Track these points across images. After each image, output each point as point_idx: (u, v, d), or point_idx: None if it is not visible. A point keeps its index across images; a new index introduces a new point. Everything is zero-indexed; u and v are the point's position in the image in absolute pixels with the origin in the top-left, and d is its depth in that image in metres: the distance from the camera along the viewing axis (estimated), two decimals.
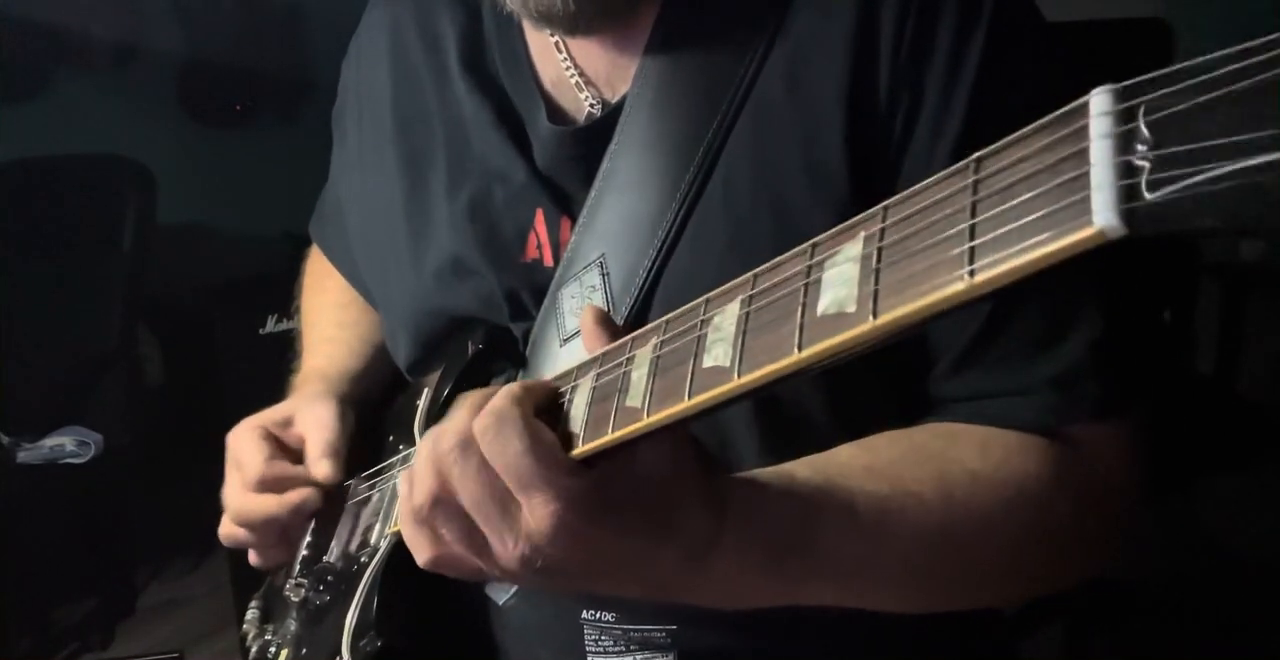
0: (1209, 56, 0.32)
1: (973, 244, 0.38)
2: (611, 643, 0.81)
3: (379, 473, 0.91)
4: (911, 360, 0.74)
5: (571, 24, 0.76)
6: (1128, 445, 0.73)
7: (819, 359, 0.43)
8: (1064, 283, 0.70)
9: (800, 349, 0.43)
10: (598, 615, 0.81)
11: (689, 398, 0.48)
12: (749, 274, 0.49)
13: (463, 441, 0.56)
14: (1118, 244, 0.34)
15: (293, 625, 0.90)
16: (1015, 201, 0.37)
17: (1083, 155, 0.35)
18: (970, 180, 0.39)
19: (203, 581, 2.81)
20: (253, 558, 0.94)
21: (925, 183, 0.42)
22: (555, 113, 0.83)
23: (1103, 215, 0.33)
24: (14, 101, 2.90)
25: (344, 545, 0.89)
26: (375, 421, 0.99)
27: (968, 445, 0.70)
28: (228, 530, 0.92)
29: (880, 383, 0.76)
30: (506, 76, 0.85)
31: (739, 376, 0.46)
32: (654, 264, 0.75)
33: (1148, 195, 0.32)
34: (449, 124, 0.87)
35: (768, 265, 0.48)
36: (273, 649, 0.92)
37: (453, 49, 0.87)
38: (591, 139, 0.79)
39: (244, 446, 0.91)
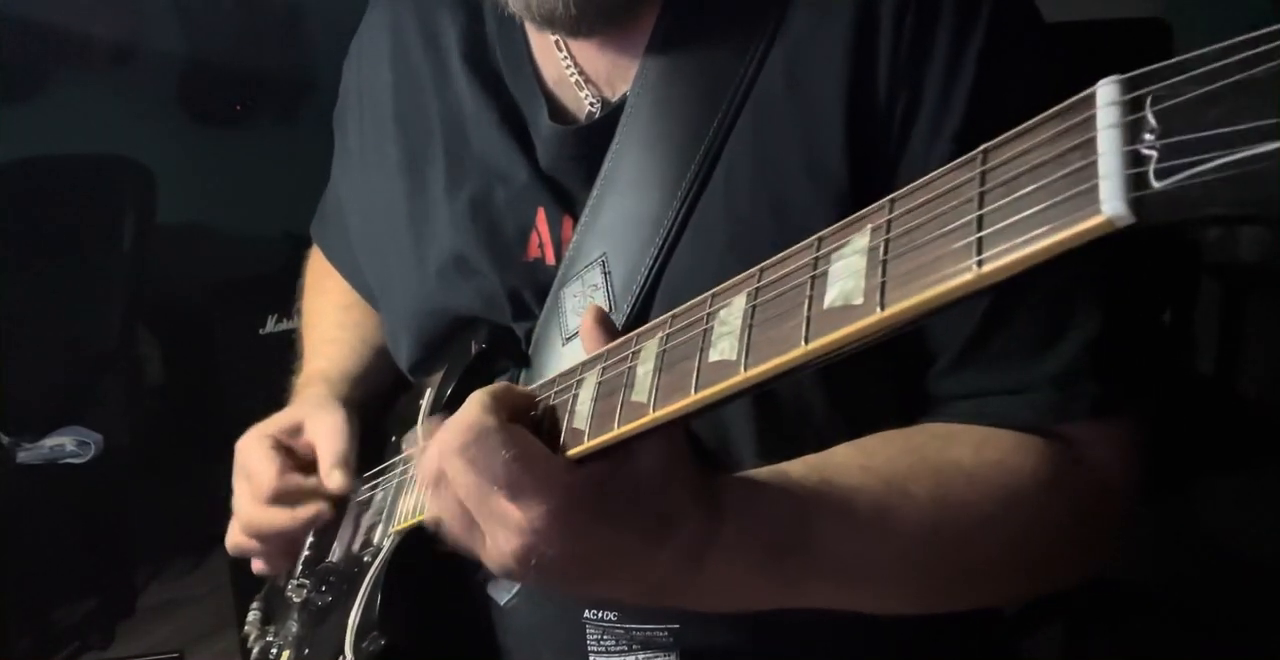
0: (1215, 46, 0.32)
1: (980, 234, 0.38)
2: (614, 642, 0.81)
3: (381, 473, 0.91)
4: (911, 359, 0.74)
5: (574, 26, 0.76)
6: (1127, 444, 0.73)
7: (826, 351, 0.43)
8: (1063, 281, 0.71)
9: (807, 341, 0.43)
10: (600, 615, 0.81)
11: (695, 392, 0.48)
12: (755, 268, 0.49)
13: (445, 455, 0.56)
14: (1126, 233, 0.34)
15: (294, 626, 0.90)
16: (1023, 192, 0.37)
17: (1090, 145, 0.35)
18: (977, 171, 0.39)
19: (203, 581, 2.81)
20: (256, 565, 0.94)
21: (932, 174, 0.42)
22: (557, 112, 0.83)
23: (1111, 204, 0.33)
24: (14, 101, 2.90)
25: (346, 545, 0.89)
26: (378, 422, 0.99)
27: (964, 445, 0.70)
28: (236, 540, 0.92)
29: (880, 382, 0.76)
30: (508, 76, 0.85)
31: (745, 370, 0.46)
32: (655, 262, 0.75)
33: (1155, 184, 0.32)
34: (450, 123, 0.87)
35: (774, 259, 0.48)
36: (274, 650, 0.92)
37: (454, 48, 0.87)
38: (593, 138, 0.79)
39: (255, 457, 0.91)
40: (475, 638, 0.87)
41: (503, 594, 0.84)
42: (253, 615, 0.99)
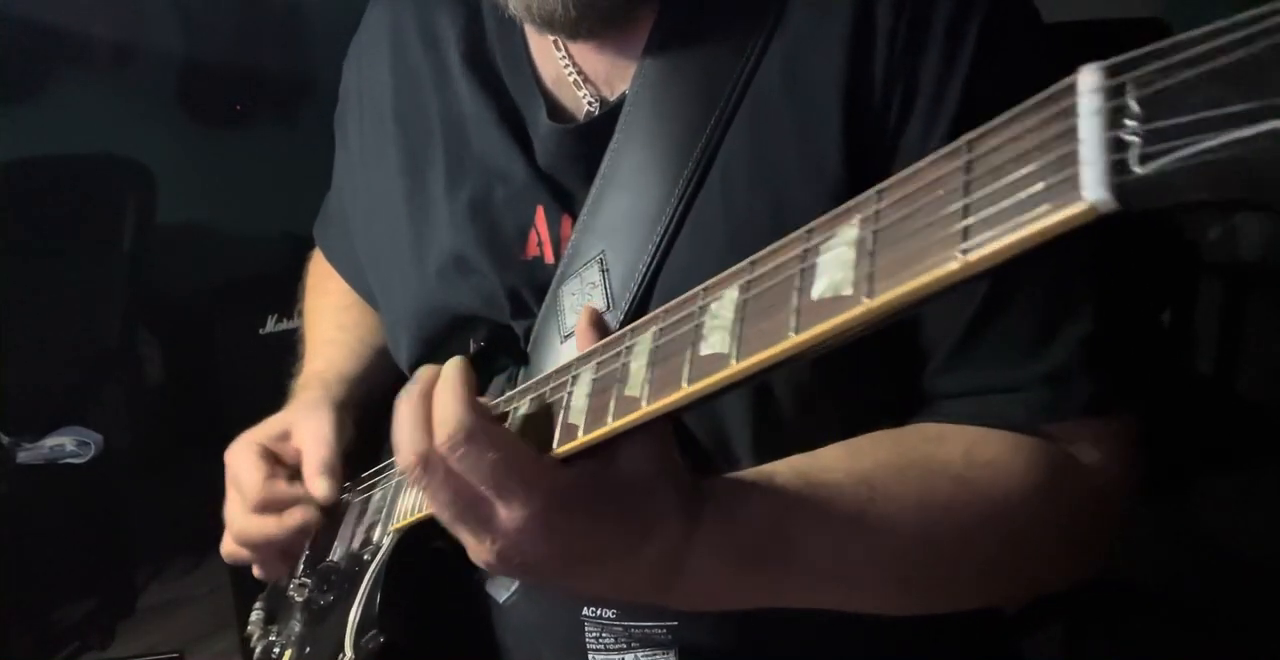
0: (1198, 31, 0.32)
1: (966, 223, 0.38)
2: (613, 640, 0.81)
3: (381, 471, 0.91)
4: (906, 357, 0.74)
5: (573, 28, 0.76)
6: (1122, 443, 0.73)
7: (816, 342, 0.43)
8: (1057, 278, 0.71)
9: (797, 333, 0.43)
10: (599, 612, 0.81)
11: (687, 385, 0.48)
12: (746, 260, 0.50)
13: (422, 458, 0.57)
14: (1110, 220, 0.34)
15: (297, 626, 0.90)
16: (1007, 179, 0.37)
17: (1072, 132, 0.35)
18: (963, 160, 0.39)
19: (203, 581, 2.80)
20: (256, 571, 0.94)
21: (919, 164, 0.42)
22: (555, 111, 0.83)
23: (1093, 190, 0.33)
24: (14, 101, 2.90)
25: (347, 544, 0.90)
26: (378, 421, 0.99)
27: (954, 447, 0.70)
28: (229, 549, 0.92)
29: (877, 381, 0.76)
30: (507, 75, 0.86)
31: (737, 362, 0.46)
32: (653, 260, 0.75)
33: (1137, 169, 0.33)
34: (449, 123, 0.87)
35: (764, 251, 0.49)
36: (277, 650, 0.92)
37: (453, 48, 0.88)
38: (591, 137, 0.79)
39: (242, 466, 0.91)
40: (475, 635, 0.87)
41: (501, 592, 0.84)
42: (256, 615, 0.99)
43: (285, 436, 0.94)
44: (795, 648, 0.80)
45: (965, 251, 0.37)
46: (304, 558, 0.92)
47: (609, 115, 0.79)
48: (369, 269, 1.00)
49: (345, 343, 1.07)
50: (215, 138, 3.33)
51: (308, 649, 0.87)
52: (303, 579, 0.89)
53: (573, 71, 0.82)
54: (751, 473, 0.66)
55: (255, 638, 0.97)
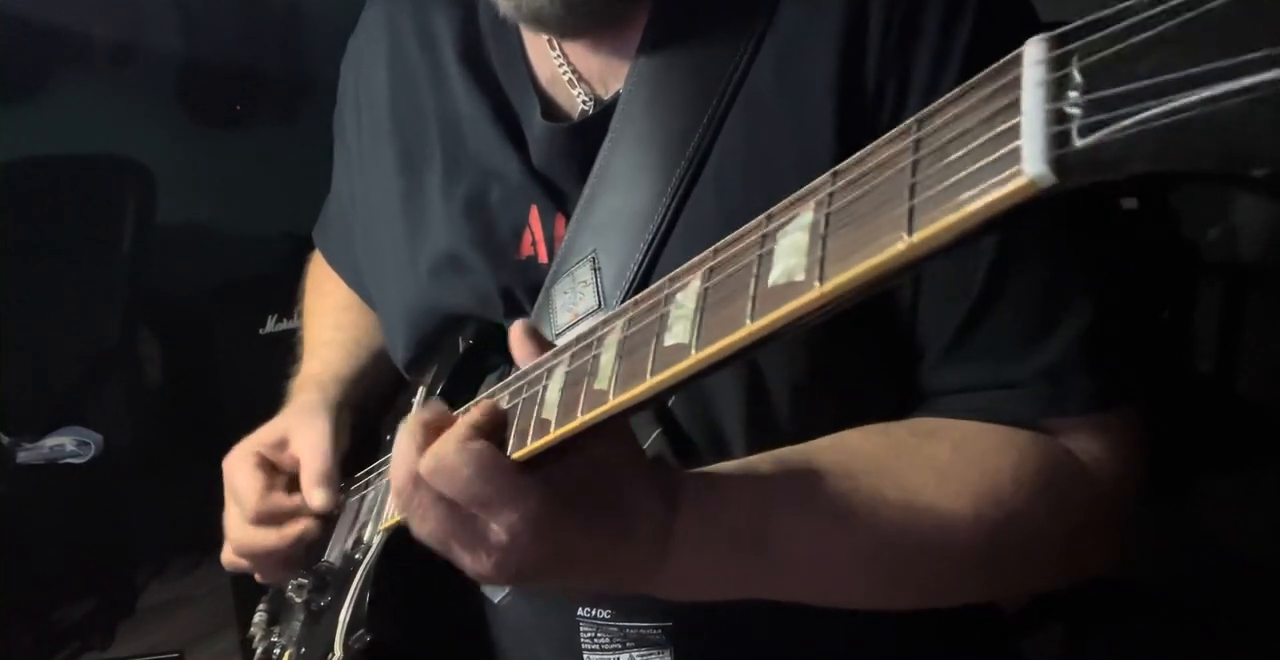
0: None
1: (912, 203, 0.37)
2: (608, 640, 0.81)
3: (374, 471, 0.91)
4: (902, 352, 0.74)
5: (562, 27, 0.77)
6: (1121, 440, 0.73)
7: (771, 329, 0.43)
8: (1054, 273, 0.70)
9: (753, 320, 0.43)
10: (594, 612, 0.81)
11: (650, 376, 0.48)
12: (710, 248, 0.49)
13: (413, 478, 0.57)
14: (1053, 194, 0.33)
15: (297, 626, 0.90)
16: (951, 157, 0.36)
17: (1015, 105, 0.34)
18: (911, 139, 0.38)
19: (203, 581, 2.80)
20: (257, 577, 0.95)
21: (872, 145, 0.41)
22: (550, 110, 0.83)
23: (1032, 164, 0.32)
24: (13, 101, 2.90)
25: (342, 544, 0.90)
26: (376, 421, 0.99)
27: (942, 442, 0.70)
28: (230, 560, 0.93)
29: (873, 376, 0.76)
30: (502, 74, 0.86)
31: (696, 352, 0.46)
32: (645, 258, 0.75)
33: (1078, 142, 0.31)
34: (445, 122, 0.87)
35: (726, 239, 0.48)
36: (277, 650, 0.92)
37: (448, 47, 0.88)
38: (585, 135, 0.79)
39: (240, 477, 0.91)
40: (469, 635, 0.87)
41: (496, 592, 0.84)
42: (259, 616, 1.00)
43: (282, 444, 0.94)
44: (791, 647, 0.80)
45: (911, 232, 0.36)
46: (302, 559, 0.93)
47: (603, 114, 0.79)
48: (366, 269, 1.00)
49: (343, 344, 1.07)
50: (215, 138, 3.33)
51: (303, 649, 0.87)
52: (301, 580, 0.89)
53: (567, 70, 0.82)
54: (733, 465, 0.67)
55: (257, 639, 0.97)
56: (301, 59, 3.30)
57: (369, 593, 0.80)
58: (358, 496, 0.92)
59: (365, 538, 0.85)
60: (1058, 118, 0.32)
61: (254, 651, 0.96)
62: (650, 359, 0.48)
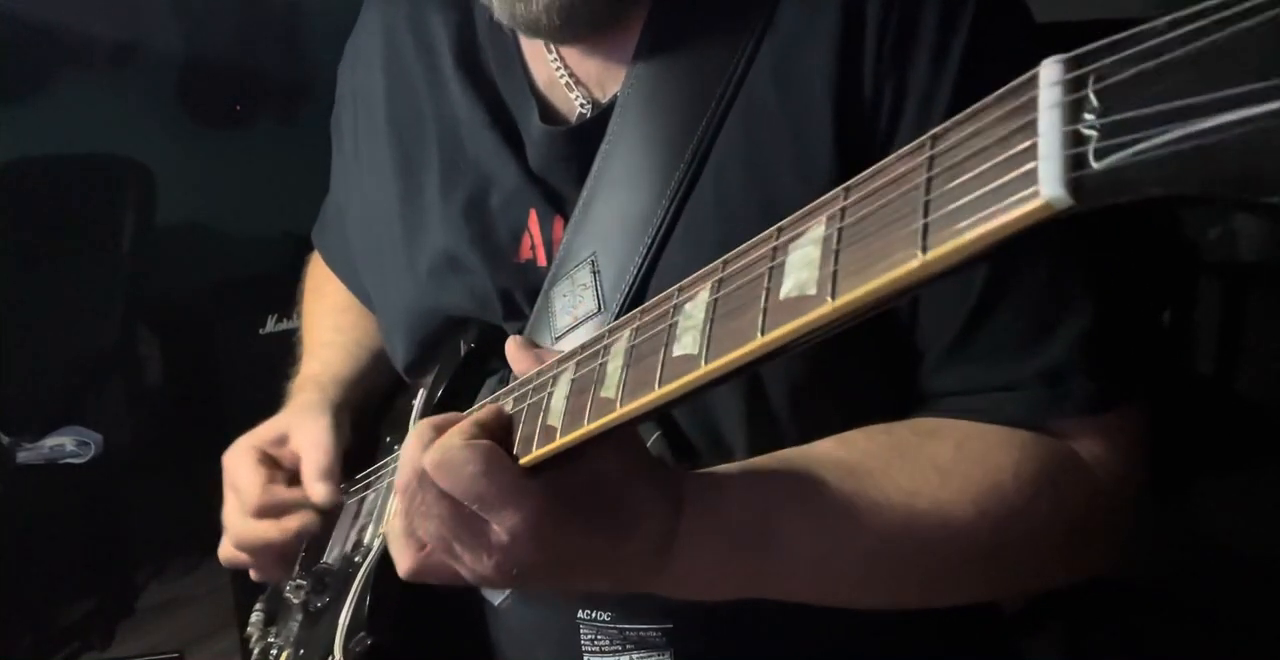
0: (1160, 20, 0.31)
1: (926, 220, 0.37)
2: (608, 642, 0.81)
3: (374, 473, 0.91)
4: (903, 354, 0.74)
5: (558, 34, 0.77)
6: (1122, 440, 0.73)
7: (782, 343, 0.43)
8: (1054, 275, 0.70)
9: (763, 333, 0.43)
10: (593, 615, 0.81)
11: (659, 386, 0.48)
12: (719, 260, 0.49)
13: (418, 474, 0.57)
14: (1070, 216, 0.33)
15: (295, 627, 0.90)
16: (967, 176, 0.36)
17: (1031, 126, 0.34)
18: (926, 156, 0.39)
19: (203, 581, 2.80)
20: (253, 574, 0.95)
21: (885, 161, 0.41)
22: (548, 113, 0.83)
23: (1049, 186, 0.33)
24: (13, 101, 2.89)
25: (341, 546, 0.90)
26: (375, 423, 0.99)
27: (945, 441, 0.70)
28: (228, 553, 0.93)
29: (875, 378, 0.76)
30: (499, 78, 0.86)
31: (706, 363, 0.46)
32: (644, 261, 0.75)
33: (1095, 164, 0.31)
34: (443, 125, 0.87)
35: (736, 251, 0.48)
36: (274, 651, 0.92)
37: (446, 51, 0.88)
38: (583, 139, 0.79)
39: (240, 471, 0.91)
40: (469, 638, 0.87)
41: (496, 595, 0.84)
42: (256, 617, 1.00)
43: (283, 441, 0.94)
44: (791, 648, 0.80)
45: (925, 250, 0.36)
46: (300, 560, 0.93)
47: (601, 117, 0.79)
48: (365, 271, 1.00)
49: (342, 345, 1.07)
50: (215, 138, 3.33)
51: (302, 651, 0.87)
52: (299, 581, 0.89)
53: (564, 74, 0.82)
54: (736, 466, 0.67)
55: (254, 639, 0.97)
56: (301, 59, 3.30)
57: (369, 595, 0.80)
58: (357, 499, 0.92)
59: (365, 540, 0.85)
60: (1074, 140, 0.32)
61: (251, 651, 0.96)
62: (659, 369, 0.49)
